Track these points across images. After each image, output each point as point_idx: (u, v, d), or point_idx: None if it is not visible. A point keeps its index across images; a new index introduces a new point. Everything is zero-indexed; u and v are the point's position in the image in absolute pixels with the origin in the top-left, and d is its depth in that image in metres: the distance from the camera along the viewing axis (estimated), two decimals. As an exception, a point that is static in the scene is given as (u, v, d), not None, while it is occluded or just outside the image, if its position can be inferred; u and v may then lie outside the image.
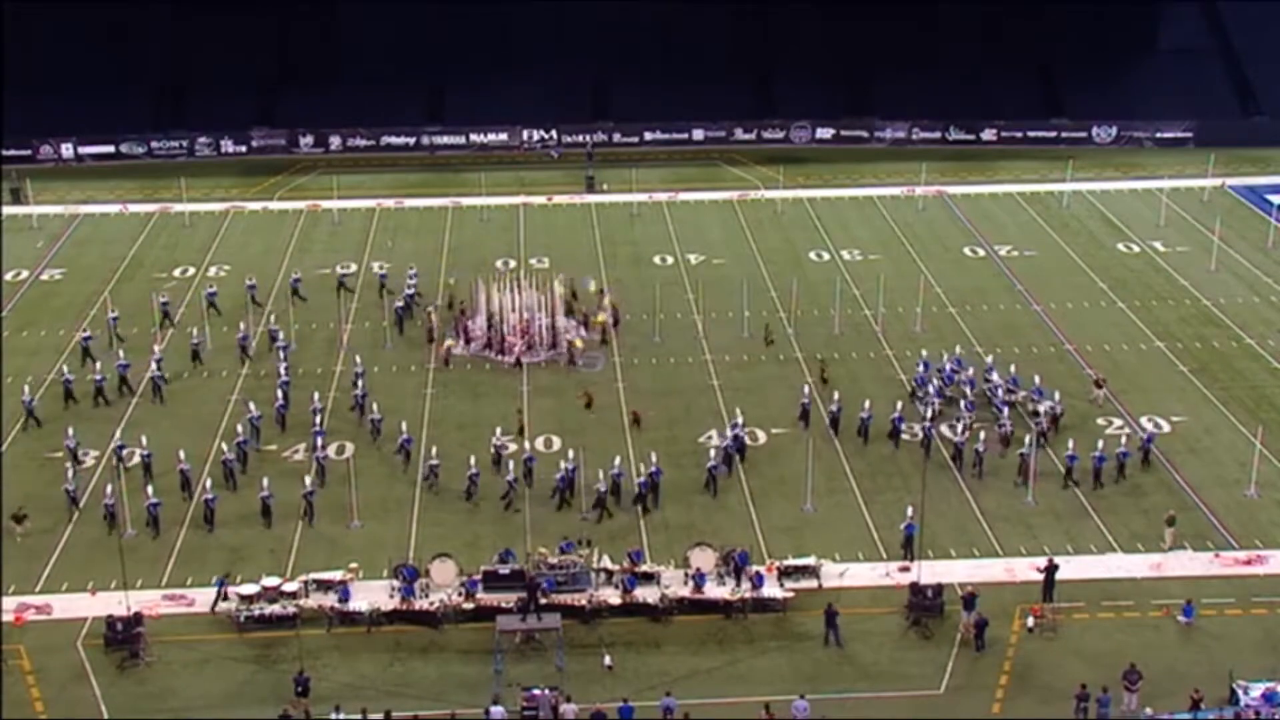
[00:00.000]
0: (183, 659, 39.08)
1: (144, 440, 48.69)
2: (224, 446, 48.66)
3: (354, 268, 67.23)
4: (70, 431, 48.98)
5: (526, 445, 49.03)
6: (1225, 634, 40.16)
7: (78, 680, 38.21)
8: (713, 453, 48.05)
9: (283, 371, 53.70)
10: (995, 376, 53.71)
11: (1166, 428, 51.64)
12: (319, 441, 49.04)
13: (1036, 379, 53.40)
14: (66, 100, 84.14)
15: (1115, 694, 36.65)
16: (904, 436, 50.40)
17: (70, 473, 46.86)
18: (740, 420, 49.95)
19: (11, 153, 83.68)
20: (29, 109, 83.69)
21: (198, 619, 40.84)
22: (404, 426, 49.56)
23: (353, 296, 62.87)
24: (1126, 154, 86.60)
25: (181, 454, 47.56)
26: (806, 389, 53.22)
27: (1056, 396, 51.74)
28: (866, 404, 50.85)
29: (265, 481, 46.19)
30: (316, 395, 51.85)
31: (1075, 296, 63.95)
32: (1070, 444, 48.16)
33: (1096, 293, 64.45)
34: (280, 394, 52.25)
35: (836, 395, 52.14)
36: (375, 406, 51.13)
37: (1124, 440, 48.99)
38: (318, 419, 50.46)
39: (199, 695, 37.69)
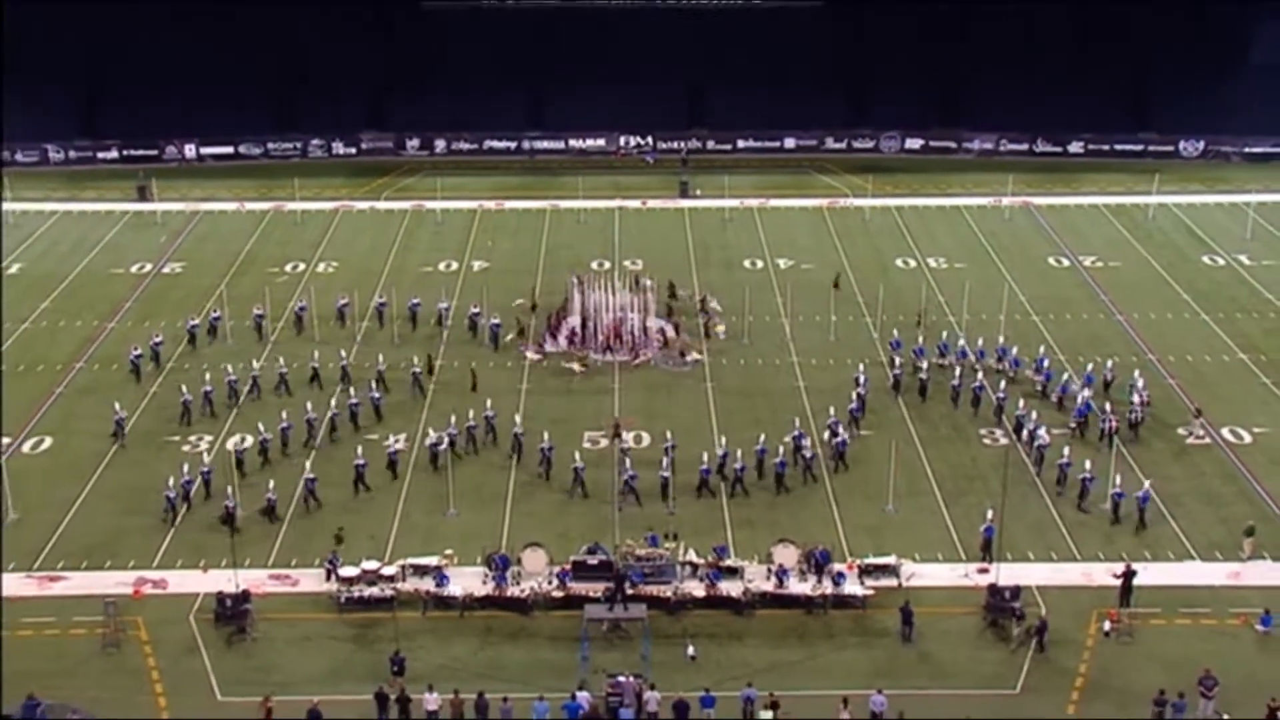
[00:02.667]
0: (286, 636, 39.76)
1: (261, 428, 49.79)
2: (261, 426, 49.53)
3: (455, 265, 67.98)
4: (183, 479, 46.39)
5: (628, 438, 49.32)
6: (1303, 644, 39.34)
7: (190, 652, 39.04)
8: (780, 449, 47.88)
9: (374, 386, 53.31)
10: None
11: (1248, 439, 50.61)
12: (434, 434, 49.41)
13: (1136, 374, 53.43)
14: (190, 104, 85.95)
15: (1191, 700, 35.97)
16: (985, 442, 50.04)
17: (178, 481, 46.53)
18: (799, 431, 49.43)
19: (139, 152, 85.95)
20: (156, 111, 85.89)
21: (301, 598, 41.49)
22: (518, 419, 50.04)
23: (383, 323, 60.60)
24: (1213, 168, 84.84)
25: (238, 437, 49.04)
26: (898, 361, 54.56)
27: (1136, 401, 51.18)
28: (957, 372, 53.50)
29: (359, 449, 47.45)
30: (472, 412, 50.39)
31: (1159, 307, 62.80)
32: (1088, 464, 46.64)
33: (1180, 304, 63.24)
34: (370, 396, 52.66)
35: (925, 365, 53.98)
36: (489, 403, 51.11)
37: (1146, 485, 45.61)
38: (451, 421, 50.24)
39: (301, 671, 38.31)
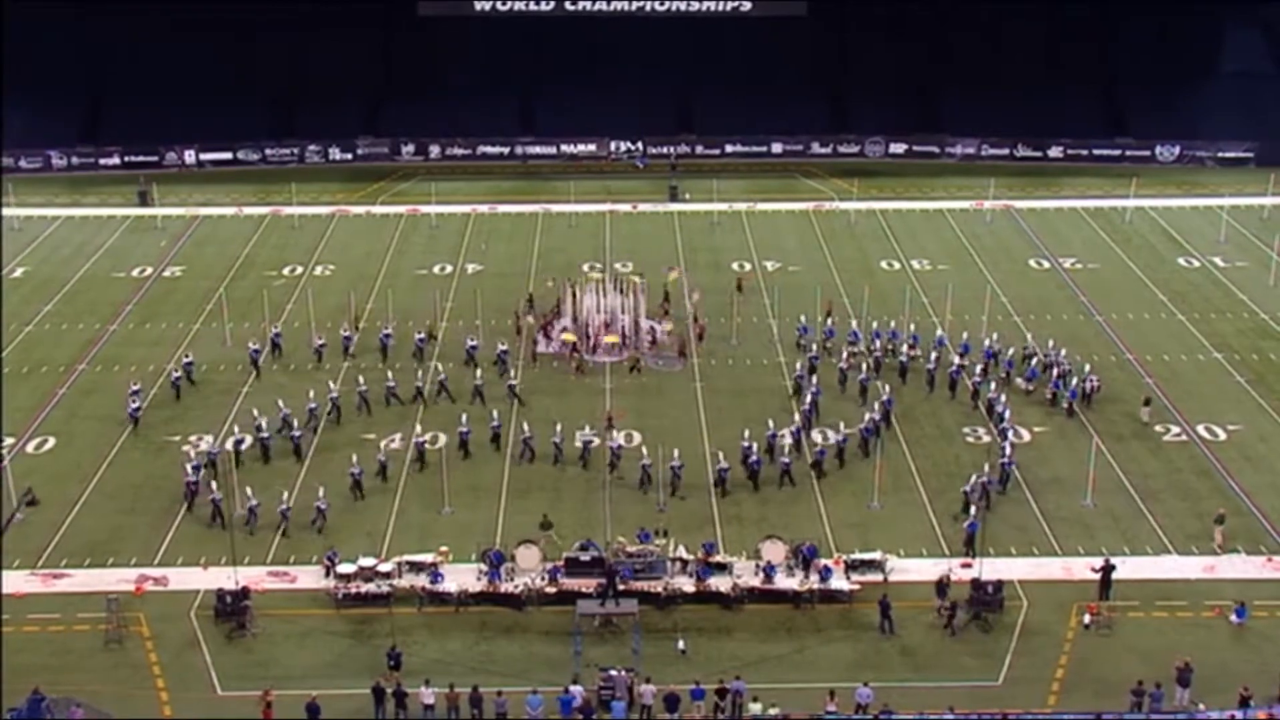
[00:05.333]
0: (285, 631, 39.69)
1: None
2: (256, 429, 49.15)
3: (450, 269, 67.92)
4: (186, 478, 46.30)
5: (618, 438, 49.26)
6: (1276, 635, 39.37)
7: (190, 648, 38.96)
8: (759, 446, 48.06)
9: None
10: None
11: (1223, 435, 50.76)
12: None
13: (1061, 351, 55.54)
14: (190, 111, 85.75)
15: (1168, 689, 36.06)
16: (968, 440, 50.12)
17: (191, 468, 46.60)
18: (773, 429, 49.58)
19: (140, 158, 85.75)
20: (157, 119, 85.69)
21: (299, 594, 41.43)
22: (495, 414, 50.08)
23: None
24: (1188, 172, 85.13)
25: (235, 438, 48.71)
26: (877, 342, 56.40)
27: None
28: (933, 355, 54.70)
29: (355, 457, 47.16)
30: (498, 413, 50.24)
31: (1136, 308, 62.96)
32: (1008, 449, 47.64)
33: (1157, 305, 63.40)
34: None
35: (906, 347, 55.61)
36: (494, 413, 50.42)
37: (986, 470, 46.55)
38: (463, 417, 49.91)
39: (300, 665, 38.27)
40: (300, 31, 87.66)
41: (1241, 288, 65.27)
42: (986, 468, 46.43)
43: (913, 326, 58.09)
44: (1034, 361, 55.21)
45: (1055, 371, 53.96)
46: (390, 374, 54.21)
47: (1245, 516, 45.43)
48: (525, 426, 49.23)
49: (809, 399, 51.63)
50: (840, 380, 53.80)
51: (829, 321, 58.81)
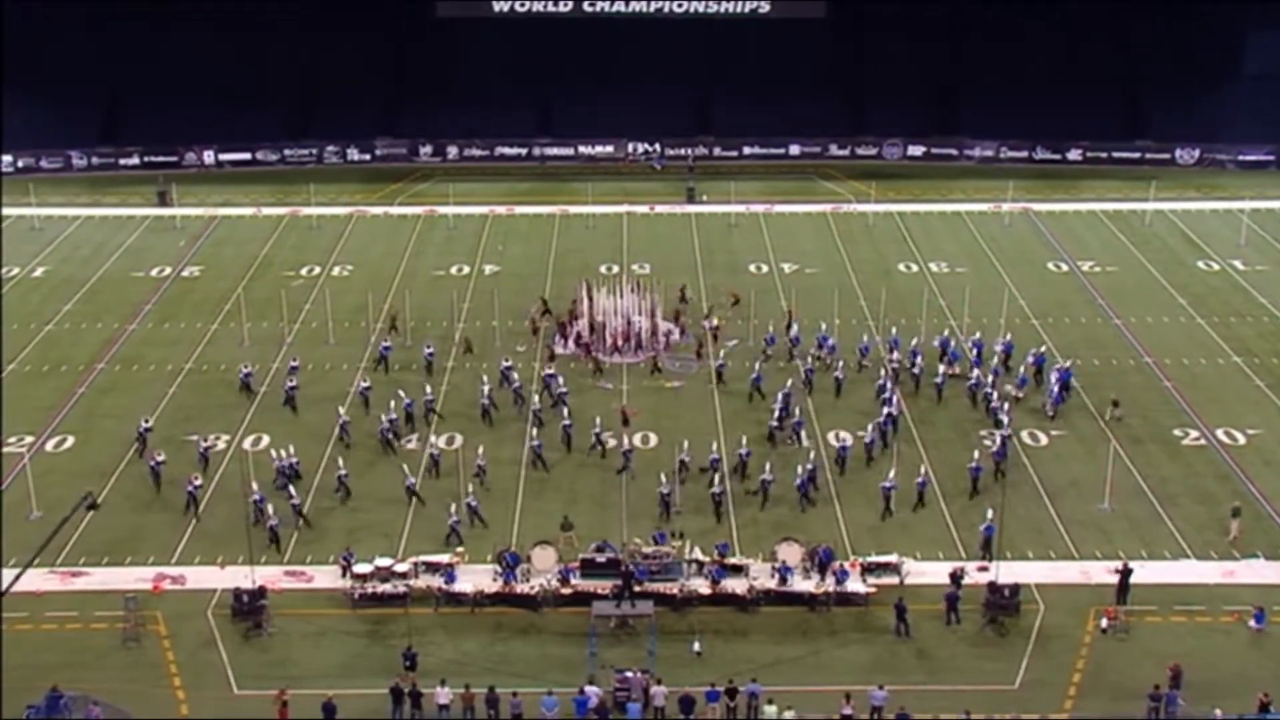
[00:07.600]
0: (301, 631, 39.81)
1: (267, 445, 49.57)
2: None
3: (467, 269, 68.01)
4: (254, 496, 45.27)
5: (627, 440, 49.22)
6: (1296, 641, 39.26)
7: (207, 646, 39.11)
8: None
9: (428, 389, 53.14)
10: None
11: (1242, 440, 50.52)
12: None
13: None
14: (209, 112, 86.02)
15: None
16: (985, 443, 49.95)
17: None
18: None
19: (159, 159, 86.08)
20: (176, 119, 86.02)
21: (316, 594, 41.55)
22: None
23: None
24: (1208, 175, 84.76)
25: (289, 449, 48.04)
26: (893, 331, 57.54)
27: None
28: (941, 368, 54.14)
29: (432, 438, 47.77)
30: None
31: (1155, 311, 62.70)
32: (976, 455, 47.66)
33: (1176, 308, 63.14)
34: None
35: (915, 341, 56.24)
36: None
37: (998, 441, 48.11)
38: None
39: (316, 665, 38.37)
40: (319, 32, 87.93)
41: (1262, 291, 64.95)
42: (926, 467, 46.83)
43: (895, 330, 57.95)
44: (1025, 368, 54.73)
45: (1054, 377, 53.57)
46: (484, 380, 53.70)
47: (1264, 521, 45.21)
48: (625, 440, 48.89)
49: (781, 400, 51.67)
50: (833, 382, 54.10)
51: (794, 328, 58.43)
